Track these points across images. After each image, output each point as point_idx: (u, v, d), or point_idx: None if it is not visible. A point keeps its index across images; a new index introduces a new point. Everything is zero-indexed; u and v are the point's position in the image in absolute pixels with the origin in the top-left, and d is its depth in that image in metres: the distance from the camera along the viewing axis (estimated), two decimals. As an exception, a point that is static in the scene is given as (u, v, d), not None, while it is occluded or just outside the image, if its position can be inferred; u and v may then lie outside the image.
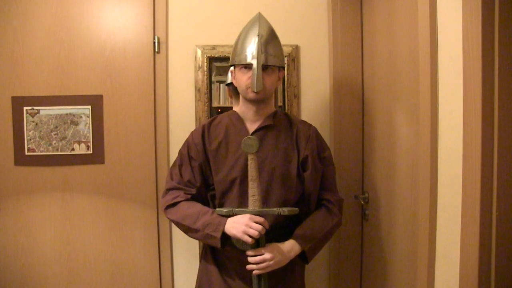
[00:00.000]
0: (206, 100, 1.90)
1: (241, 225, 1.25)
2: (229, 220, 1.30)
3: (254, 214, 1.27)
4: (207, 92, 1.90)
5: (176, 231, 1.93)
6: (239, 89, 1.42)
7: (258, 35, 1.36)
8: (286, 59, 1.90)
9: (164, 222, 1.92)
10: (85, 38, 1.87)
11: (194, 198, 1.42)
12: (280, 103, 1.94)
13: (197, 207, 1.37)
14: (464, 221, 1.03)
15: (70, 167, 1.89)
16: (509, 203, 0.97)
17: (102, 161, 1.89)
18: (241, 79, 1.38)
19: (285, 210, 1.27)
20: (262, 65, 1.34)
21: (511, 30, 0.95)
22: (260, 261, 1.26)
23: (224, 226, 1.29)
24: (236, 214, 1.29)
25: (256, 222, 1.25)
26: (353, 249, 1.93)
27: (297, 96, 1.94)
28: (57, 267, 1.91)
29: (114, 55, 1.88)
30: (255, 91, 1.33)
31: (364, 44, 1.87)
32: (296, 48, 1.93)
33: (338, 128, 1.90)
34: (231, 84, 1.64)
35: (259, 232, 1.23)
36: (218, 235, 1.29)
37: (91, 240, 1.91)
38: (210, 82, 1.90)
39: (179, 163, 1.46)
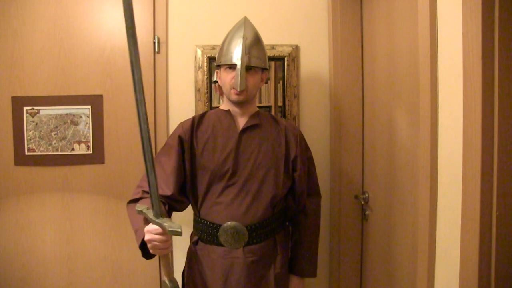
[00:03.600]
0: (206, 100, 1.90)
1: (149, 243, 1.18)
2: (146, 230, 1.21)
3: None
4: (207, 92, 1.90)
5: (176, 231, 1.94)
6: (224, 89, 1.49)
7: (243, 38, 1.44)
8: (286, 59, 1.91)
9: (164, 222, 1.92)
10: (85, 38, 1.87)
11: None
12: (280, 103, 1.94)
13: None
14: (464, 221, 1.03)
15: (70, 167, 1.89)
16: (509, 203, 0.97)
17: (102, 161, 1.89)
18: (226, 79, 1.45)
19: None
20: (246, 65, 1.41)
21: (511, 30, 0.95)
22: None
23: (143, 236, 1.21)
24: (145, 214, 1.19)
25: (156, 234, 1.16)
26: (353, 249, 1.93)
27: (297, 96, 1.94)
28: (57, 267, 1.91)
29: (114, 55, 1.88)
30: (238, 90, 1.39)
31: (364, 44, 1.87)
32: (296, 48, 1.93)
33: (338, 128, 1.90)
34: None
35: (162, 243, 1.16)
36: (138, 242, 1.24)
37: (91, 240, 1.91)
38: (210, 82, 1.90)
39: (162, 154, 1.46)
